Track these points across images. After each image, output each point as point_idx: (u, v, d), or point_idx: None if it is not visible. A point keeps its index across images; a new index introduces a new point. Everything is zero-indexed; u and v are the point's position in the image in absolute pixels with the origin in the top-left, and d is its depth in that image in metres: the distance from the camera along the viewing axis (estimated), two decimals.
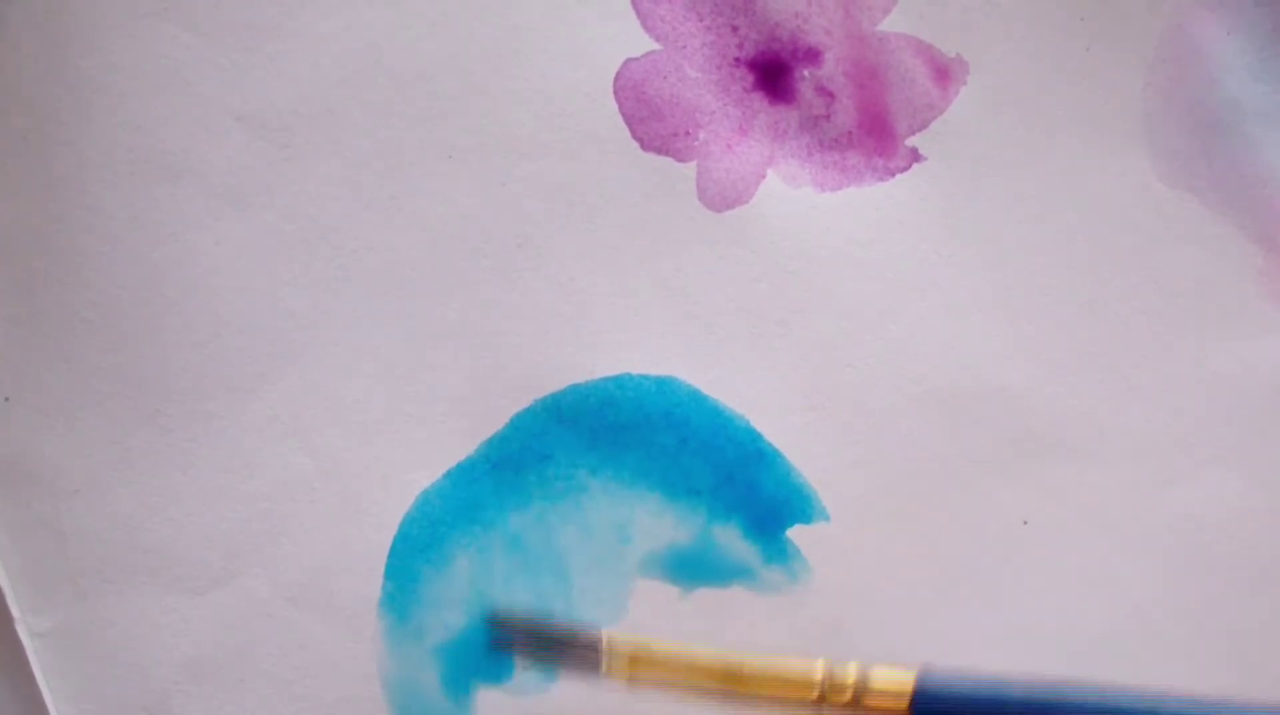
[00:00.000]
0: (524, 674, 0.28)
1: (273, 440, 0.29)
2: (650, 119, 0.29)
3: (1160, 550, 0.29)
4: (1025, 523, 0.29)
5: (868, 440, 0.29)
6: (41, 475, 0.29)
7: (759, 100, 0.29)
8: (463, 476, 0.29)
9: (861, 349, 0.29)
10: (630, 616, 0.29)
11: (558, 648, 0.27)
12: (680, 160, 0.29)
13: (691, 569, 0.29)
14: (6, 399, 0.29)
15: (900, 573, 0.29)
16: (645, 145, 0.29)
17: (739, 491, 0.29)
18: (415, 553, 0.29)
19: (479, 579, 0.29)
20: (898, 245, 0.29)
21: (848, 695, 0.21)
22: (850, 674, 0.21)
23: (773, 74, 0.29)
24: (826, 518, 0.29)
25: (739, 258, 0.29)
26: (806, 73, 0.29)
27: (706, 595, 0.29)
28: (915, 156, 0.29)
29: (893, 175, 0.29)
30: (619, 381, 0.29)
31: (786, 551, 0.29)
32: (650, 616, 0.29)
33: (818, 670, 0.22)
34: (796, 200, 0.29)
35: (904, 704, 0.20)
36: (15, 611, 0.29)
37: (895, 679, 0.20)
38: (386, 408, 0.29)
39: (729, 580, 0.29)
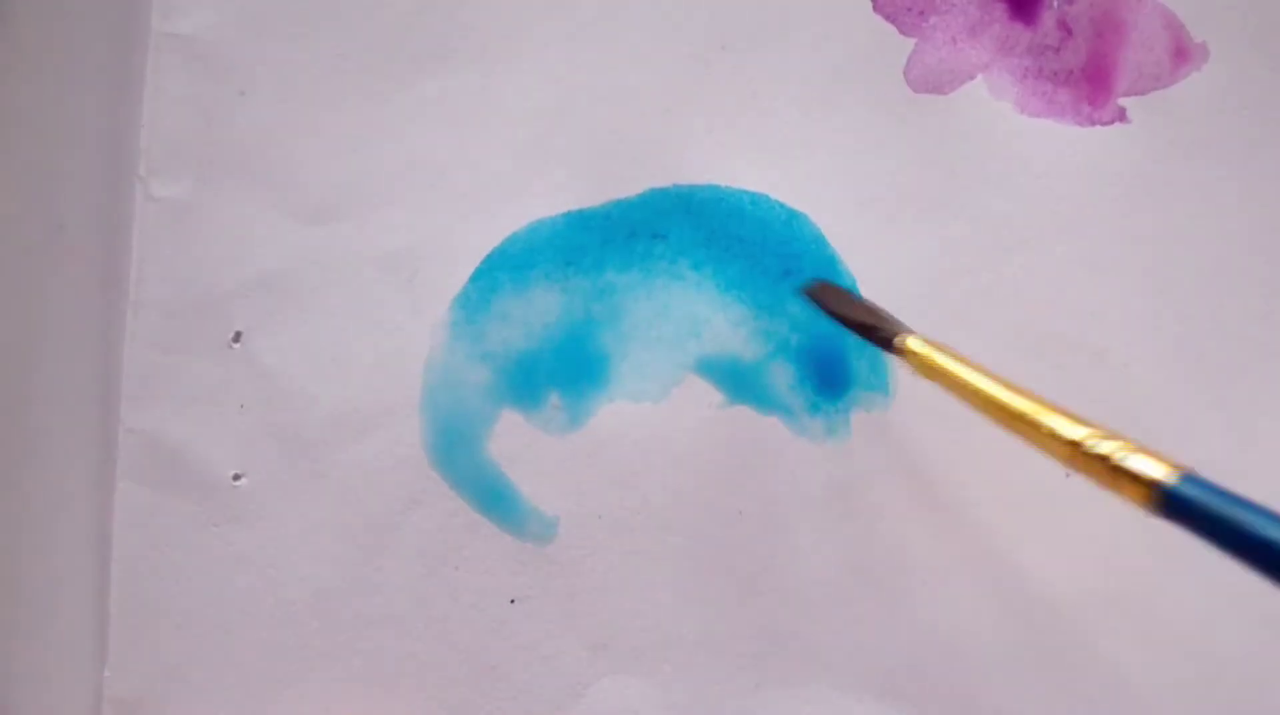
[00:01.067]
0: (554, 412, 0.29)
1: (430, 120, 0.30)
2: None
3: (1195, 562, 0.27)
4: (1067, 476, 0.28)
5: (950, 339, 0.29)
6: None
7: (1000, 11, 0.30)
8: (580, 222, 0.30)
9: (987, 266, 0.29)
10: (668, 402, 0.29)
11: (862, 327, 0.27)
12: (903, 33, 0.30)
13: (741, 385, 0.29)
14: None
15: (932, 470, 0.28)
16: (877, 6, 0.30)
17: (816, 338, 0.29)
18: (506, 268, 0.30)
19: (549, 313, 0.29)
20: (1067, 188, 0.29)
21: (1101, 459, 0.21)
22: (1113, 446, 0.21)
23: None
24: (886, 395, 0.29)
25: (914, 138, 0.30)
26: (1056, 3, 0.30)
27: (744, 413, 0.29)
28: (1122, 116, 0.29)
29: (1093, 124, 0.29)
30: (755, 198, 0.30)
31: (835, 409, 0.29)
32: (686, 410, 0.29)
33: (1082, 430, 0.21)
34: (994, 110, 0.30)
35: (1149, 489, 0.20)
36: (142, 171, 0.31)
37: (1155, 467, 0.20)
38: (534, 138, 0.30)
39: (771, 409, 0.29)
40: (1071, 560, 0.28)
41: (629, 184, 0.30)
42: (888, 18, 0.30)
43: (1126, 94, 0.29)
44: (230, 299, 0.30)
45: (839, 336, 0.29)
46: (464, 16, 0.30)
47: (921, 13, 0.30)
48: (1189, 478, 0.19)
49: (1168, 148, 0.29)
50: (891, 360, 0.29)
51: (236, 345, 0.30)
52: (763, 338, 0.29)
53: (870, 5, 0.30)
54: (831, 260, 0.29)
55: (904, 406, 0.29)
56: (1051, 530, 0.28)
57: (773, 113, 0.30)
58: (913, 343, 0.25)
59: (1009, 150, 0.29)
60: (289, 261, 0.30)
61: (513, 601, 0.29)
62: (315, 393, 0.30)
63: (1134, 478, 0.20)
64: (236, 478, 0.30)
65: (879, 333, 0.26)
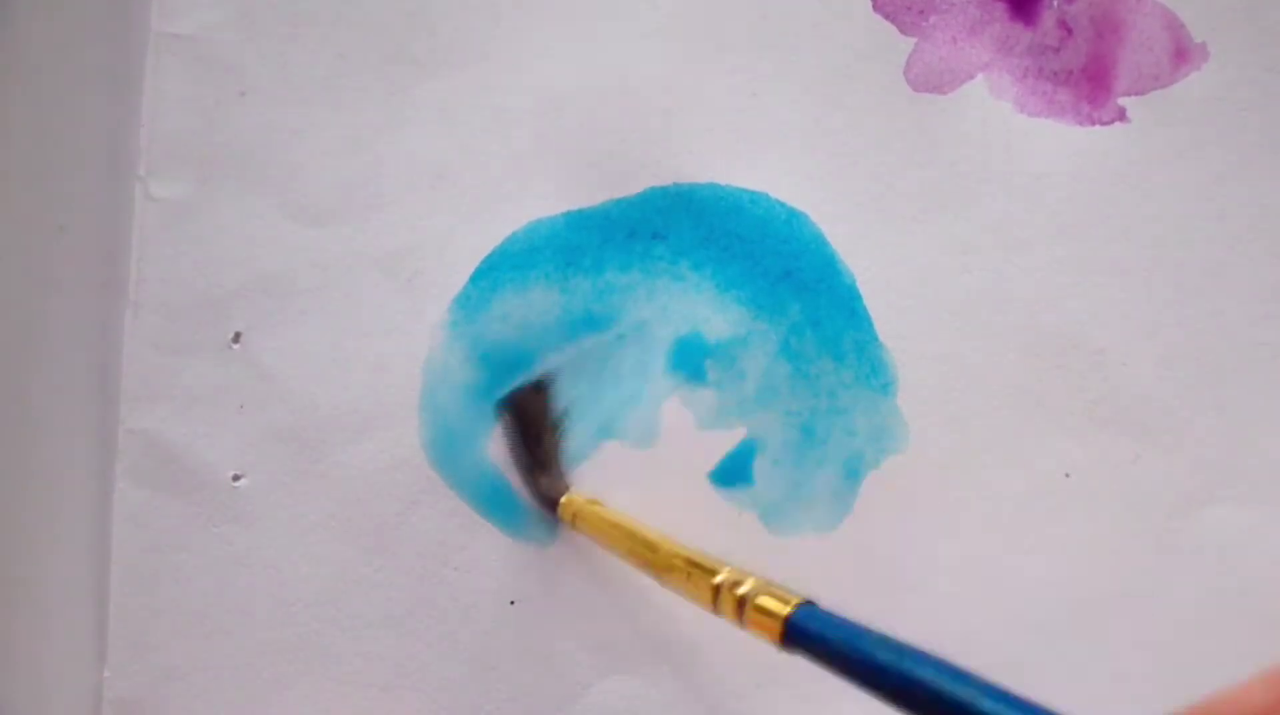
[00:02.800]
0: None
1: (430, 120, 0.30)
2: None
3: (1195, 564, 0.28)
4: (1067, 476, 0.28)
5: (950, 339, 0.29)
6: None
7: (1001, 11, 0.30)
8: (579, 221, 0.30)
9: (987, 266, 0.29)
10: (667, 403, 0.29)
11: (528, 469, 0.28)
12: (903, 33, 0.30)
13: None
14: None
15: (935, 472, 0.28)
16: (877, 5, 0.30)
17: (817, 336, 0.29)
18: (505, 268, 0.30)
19: (549, 312, 0.29)
20: (1067, 187, 0.29)
21: (734, 604, 0.21)
22: (745, 586, 0.21)
23: None
24: (889, 394, 0.29)
25: (913, 137, 0.30)
26: (1056, 3, 0.30)
27: None
28: (1121, 116, 0.29)
29: (1093, 124, 0.29)
30: (754, 197, 0.30)
31: (837, 407, 0.29)
32: (684, 409, 0.29)
33: (721, 573, 0.22)
34: (993, 110, 0.30)
35: (778, 627, 0.20)
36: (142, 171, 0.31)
37: (777, 602, 0.20)
38: (533, 138, 0.30)
39: None
40: (1074, 563, 0.28)
41: (628, 183, 0.30)
42: (888, 17, 0.30)
43: (1126, 94, 0.29)
44: (230, 299, 0.30)
45: (844, 337, 0.29)
46: (464, 17, 0.30)
47: (921, 12, 0.30)
48: (805, 609, 0.19)
49: (1167, 147, 0.29)
50: (892, 366, 0.29)
51: (236, 346, 0.30)
52: (760, 337, 0.29)
53: (870, 4, 0.30)
54: (831, 259, 0.29)
55: (905, 407, 0.29)
56: (1054, 533, 0.28)
57: (772, 112, 0.30)
58: (568, 500, 0.27)
59: (1009, 150, 0.29)
60: (289, 262, 0.30)
61: (513, 603, 0.29)
62: (315, 393, 0.30)
63: (765, 613, 0.20)
64: (236, 478, 0.30)
65: (543, 482, 0.27)
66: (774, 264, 0.29)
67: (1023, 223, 0.29)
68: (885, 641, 0.17)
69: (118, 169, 0.30)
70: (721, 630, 0.27)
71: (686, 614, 0.28)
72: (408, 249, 0.30)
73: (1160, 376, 0.28)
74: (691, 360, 0.29)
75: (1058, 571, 0.28)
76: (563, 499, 0.28)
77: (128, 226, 0.30)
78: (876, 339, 0.29)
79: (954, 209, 0.29)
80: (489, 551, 0.29)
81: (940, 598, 0.28)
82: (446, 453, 0.29)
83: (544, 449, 0.28)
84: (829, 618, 0.19)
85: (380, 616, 0.29)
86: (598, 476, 0.29)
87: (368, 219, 0.30)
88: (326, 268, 0.30)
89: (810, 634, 0.19)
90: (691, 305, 0.29)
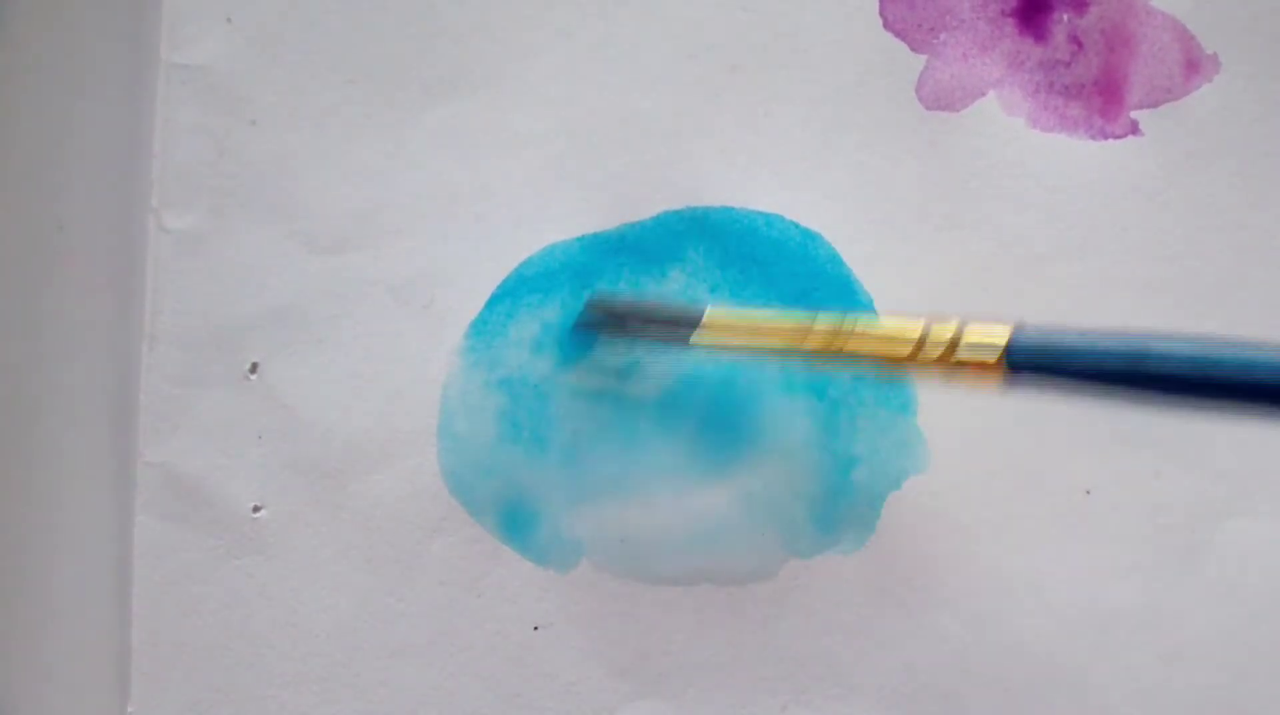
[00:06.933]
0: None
1: (443, 146, 0.30)
2: (903, 1, 0.30)
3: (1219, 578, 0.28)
4: (1088, 493, 0.28)
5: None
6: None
7: (1011, 26, 0.30)
8: (595, 245, 0.30)
9: (1003, 282, 0.29)
10: None
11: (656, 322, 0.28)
12: (913, 50, 0.30)
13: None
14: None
15: (955, 489, 0.28)
16: (888, 23, 0.30)
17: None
18: (522, 292, 0.30)
19: (565, 337, 0.29)
20: (1080, 202, 0.29)
21: (941, 351, 0.21)
22: (949, 330, 0.21)
23: (1034, 7, 0.30)
24: (909, 413, 0.29)
25: (926, 155, 0.30)
26: (1065, 17, 0.30)
27: None
28: (1134, 129, 0.29)
29: (1106, 138, 0.29)
30: (769, 219, 0.30)
31: (855, 429, 0.29)
32: None
33: (917, 327, 0.22)
34: (1005, 126, 0.30)
35: (996, 357, 0.20)
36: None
37: (990, 332, 0.20)
38: (547, 162, 0.30)
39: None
40: (1096, 579, 0.28)
41: (643, 207, 0.30)
42: (898, 35, 0.30)
43: (1138, 107, 0.29)
44: (246, 330, 0.30)
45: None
46: (474, 42, 0.30)
47: (932, 29, 0.30)
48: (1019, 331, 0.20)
49: (1181, 159, 0.29)
50: (911, 385, 0.29)
51: (253, 376, 0.30)
52: (776, 362, 0.29)
53: (880, 23, 0.30)
54: (847, 280, 0.29)
55: (925, 427, 0.29)
56: (1075, 549, 0.28)
57: (785, 133, 0.30)
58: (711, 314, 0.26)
59: (1022, 166, 0.29)
60: (304, 291, 0.30)
61: (536, 628, 0.29)
62: (333, 422, 0.30)
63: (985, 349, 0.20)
64: (256, 509, 0.29)
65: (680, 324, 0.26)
66: (790, 286, 0.29)
67: (1039, 238, 0.29)
68: (1107, 339, 0.18)
69: (131, 201, 0.30)
70: (747, 652, 0.27)
71: (712, 636, 0.28)
72: (423, 275, 0.30)
73: None
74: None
75: (1080, 588, 0.28)
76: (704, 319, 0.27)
77: (142, 259, 0.30)
78: None
79: (969, 226, 0.29)
80: (511, 578, 0.29)
81: (964, 617, 0.28)
82: (466, 480, 0.29)
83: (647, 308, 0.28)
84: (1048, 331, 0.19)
85: (403, 645, 0.29)
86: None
87: (382, 246, 0.30)
88: (342, 296, 0.30)
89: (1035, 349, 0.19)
90: None
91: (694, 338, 0.27)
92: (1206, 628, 0.28)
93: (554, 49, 0.30)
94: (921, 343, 0.22)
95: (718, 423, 0.29)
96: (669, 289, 0.29)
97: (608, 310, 0.28)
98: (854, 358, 0.24)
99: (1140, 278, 0.29)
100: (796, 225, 0.29)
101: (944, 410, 0.29)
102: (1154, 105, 0.29)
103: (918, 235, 0.29)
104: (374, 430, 0.29)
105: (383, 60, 0.30)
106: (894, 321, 0.24)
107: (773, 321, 0.26)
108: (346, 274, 0.30)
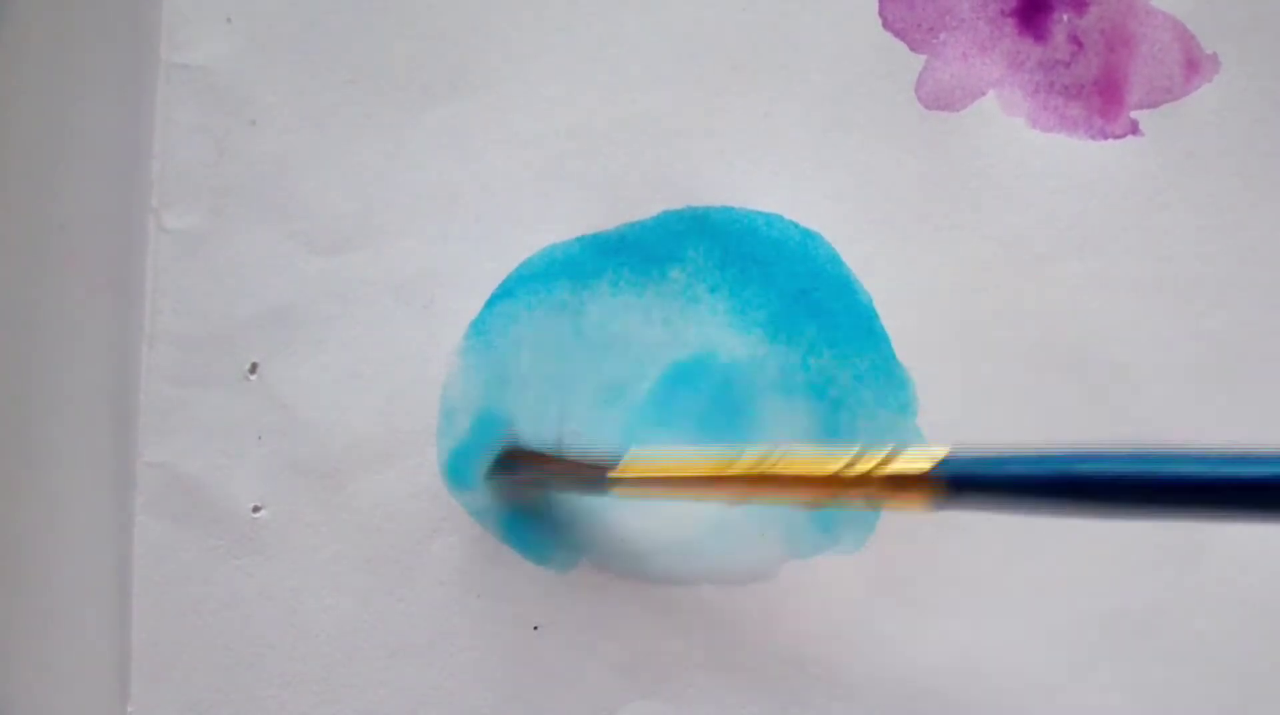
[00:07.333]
0: (574, 436, 0.29)
1: (442, 146, 0.30)
2: (902, 1, 0.30)
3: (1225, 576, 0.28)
4: None
5: (969, 357, 0.29)
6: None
7: (1010, 26, 0.30)
8: (595, 245, 0.30)
9: (1003, 282, 0.29)
10: None
11: (567, 475, 0.28)
12: (913, 50, 0.30)
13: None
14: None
15: None
16: (887, 23, 0.30)
17: (835, 357, 0.29)
18: (521, 292, 0.30)
19: (565, 336, 0.29)
20: (1081, 202, 0.29)
21: (870, 466, 0.21)
22: (875, 459, 0.21)
23: (1034, 7, 0.30)
24: (909, 414, 0.29)
25: (926, 155, 0.30)
26: (1065, 17, 0.30)
27: None
28: (1134, 129, 0.29)
29: (1106, 138, 0.29)
30: (769, 218, 0.30)
31: (855, 428, 0.29)
32: None
33: (847, 452, 0.22)
34: (1005, 127, 0.30)
35: (924, 483, 0.20)
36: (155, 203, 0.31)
37: (917, 458, 0.20)
38: (546, 162, 0.30)
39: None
40: (1101, 578, 0.28)
41: (642, 207, 0.30)
42: (898, 34, 0.30)
43: (1138, 107, 0.29)
44: (246, 330, 0.30)
45: (862, 357, 0.29)
46: (474, 42, 0.30)
47: (931, 29, 0.30)
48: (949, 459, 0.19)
49: (1181, 159, 0.29)
50: (911, 385, 0.29)
51: (253, 376, 0.30)
52: (779, 359, 0.29)
53: (880, 23, 0.30)
54: (847, 280, 0.29)
55: (925, 427, 0.29)
56: (1078, 548, 0.28)
57: (784, 133, 0.30)
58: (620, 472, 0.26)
59: (1022, 165, 0.29)
60: (304, 291, 0.30)
61: (536, 628, 0.29)
62: (333, 422, 0.30)
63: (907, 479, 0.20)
64: (256, 510, 0.29)
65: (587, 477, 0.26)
66: (790, 285, 0.29)
67: (1039, 239, 0.29)
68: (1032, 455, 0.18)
69: (131, 201, 0.30)
70: (747, 652, 0.27)
71: (712, 636, 0.28)
72: (422, 275, 0.30)
73: (1181, 390, 0.28)
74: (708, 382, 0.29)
75: (1084, 586, 0.28)
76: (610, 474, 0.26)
77: (141, 259, 0.30)
78: (895, 359, 0.29)
79: (969, 226, 0.29)
80: (511, 577, 0.29)
81: (966, 616, 0.28)
82: (466, 479, 0.29)
83: (561, 462, 0.28)
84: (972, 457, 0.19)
85: (403, 645, 0.29)
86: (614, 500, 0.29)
87: (382, 246, 0.30)
88: (341, 296, 0.30)
89: (968, 478, 0.19)
90: (707, 328, 0.29)
91: (611, 487, 0.26)
92: (1207, 628, 0.28)
93: (554, 49, 0.30)
94: (848, 468, 0.22)
95: (717, 423, 0.29)
96: (669, 289, 0.29)
97: (524, 460, 0.28)
98: (779, 492, 0.23)
99: (1140, 278, 0.29)
100: (796, 225, 0.29)
101: (945, 410, 0.29)
102: (1154, 105, 0.29)
103: (918, 235, 0.29)
104: (374, 430, 0.29)
105: (383, 60, 0.30)
106: (818, 451, 0.23)
107: (693, 462, 0.26)
108: (346, 274, 0.30)
